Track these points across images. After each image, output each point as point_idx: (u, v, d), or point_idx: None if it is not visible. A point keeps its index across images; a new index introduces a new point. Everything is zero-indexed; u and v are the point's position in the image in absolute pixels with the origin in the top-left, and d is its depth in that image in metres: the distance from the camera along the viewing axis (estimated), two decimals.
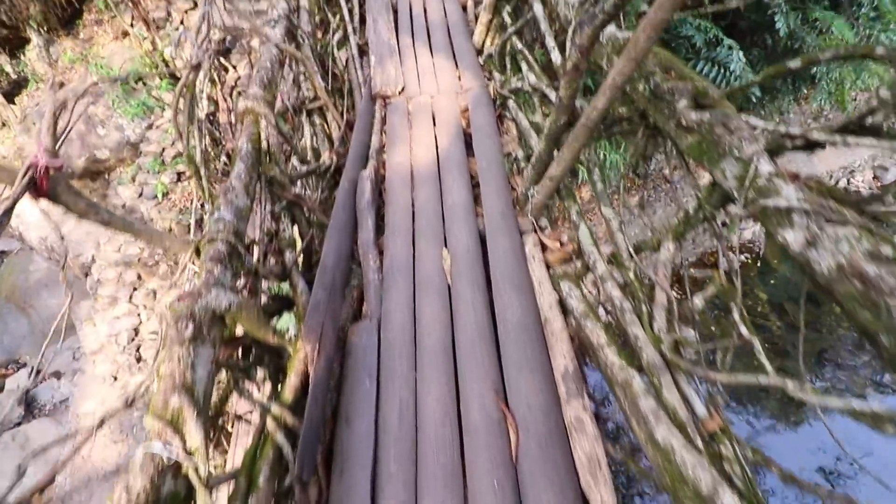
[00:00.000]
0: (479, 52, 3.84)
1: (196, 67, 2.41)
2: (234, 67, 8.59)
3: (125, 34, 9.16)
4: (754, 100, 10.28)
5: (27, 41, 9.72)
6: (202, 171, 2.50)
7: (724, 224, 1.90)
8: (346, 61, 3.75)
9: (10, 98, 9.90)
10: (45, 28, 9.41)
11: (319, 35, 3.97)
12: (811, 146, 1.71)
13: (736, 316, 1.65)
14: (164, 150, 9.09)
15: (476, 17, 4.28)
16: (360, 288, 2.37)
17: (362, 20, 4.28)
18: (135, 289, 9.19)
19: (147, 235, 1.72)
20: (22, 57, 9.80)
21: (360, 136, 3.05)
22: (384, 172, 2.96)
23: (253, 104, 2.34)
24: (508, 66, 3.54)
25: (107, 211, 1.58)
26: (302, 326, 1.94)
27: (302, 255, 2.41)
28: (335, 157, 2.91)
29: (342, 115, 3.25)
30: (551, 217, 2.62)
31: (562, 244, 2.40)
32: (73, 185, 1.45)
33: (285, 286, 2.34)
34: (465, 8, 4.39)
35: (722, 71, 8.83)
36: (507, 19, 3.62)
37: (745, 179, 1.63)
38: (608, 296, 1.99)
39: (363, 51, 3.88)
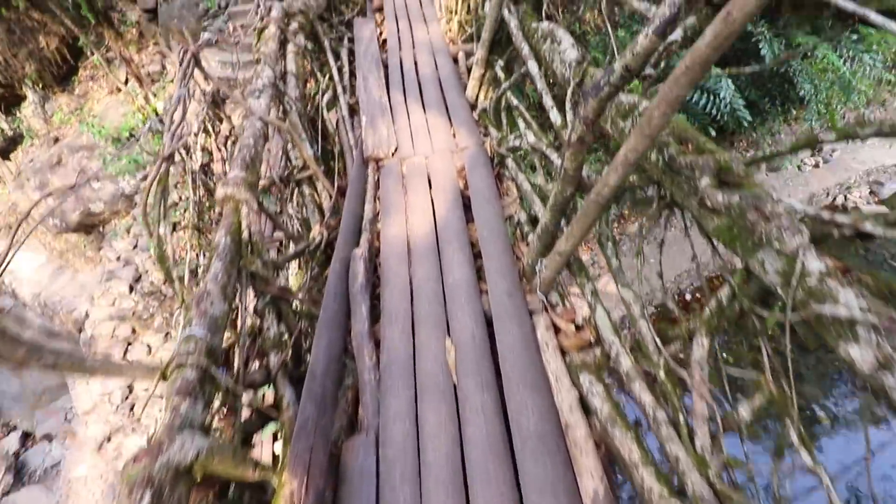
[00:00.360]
0: (473, 106, 3.70)
1: (168, 158, 2.22)
2: (229, 118, 8.55)
3: (119, 89, 9.17)
4: (745, 124, 10.27)
5: (23, 98, 9.72)
6: (174, 274, 2.27)
7: (761, 318, 1.66)
8: (337, 123, 3.59)
9: (5, 154, 9.83)
10: (41, 85, 9.43)
11: (310, 93, 3.83)
12: (862, 236, 1.50)
13: (794, 437, 1.39)
14: None
15: (468, 70, 4.17)
16: (354, 388, 2.10)
17: (353, 75, 4.17)
18: (129, 344, 8.87)
19: (102, 369, 1.47)
20: (17, 113, 9.78)
21: (352, 205, 2.84)
22: (378, 244, 2.74)
23: (233, 191, 2.14)
24: (504, 121, 3.38)
25: (52, 352, 1.35)
26: (287, 453, 1.67)
27: (291, 350, 2.16)
28: (326, 230, 2.69)
29: (333, 181, 3.06)
30: (562, 292, 2.39)
31: (577, 327, 2.16)
32: (7, 330, 1.22)
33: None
34: (456, 60, 4.29)
35: (712, 98, 8.82)
36: (500, 74, 3.49)
37: (792, 278, 1.40)
38: (639, 401, 1.73)
39: (354, 110, 3.73)
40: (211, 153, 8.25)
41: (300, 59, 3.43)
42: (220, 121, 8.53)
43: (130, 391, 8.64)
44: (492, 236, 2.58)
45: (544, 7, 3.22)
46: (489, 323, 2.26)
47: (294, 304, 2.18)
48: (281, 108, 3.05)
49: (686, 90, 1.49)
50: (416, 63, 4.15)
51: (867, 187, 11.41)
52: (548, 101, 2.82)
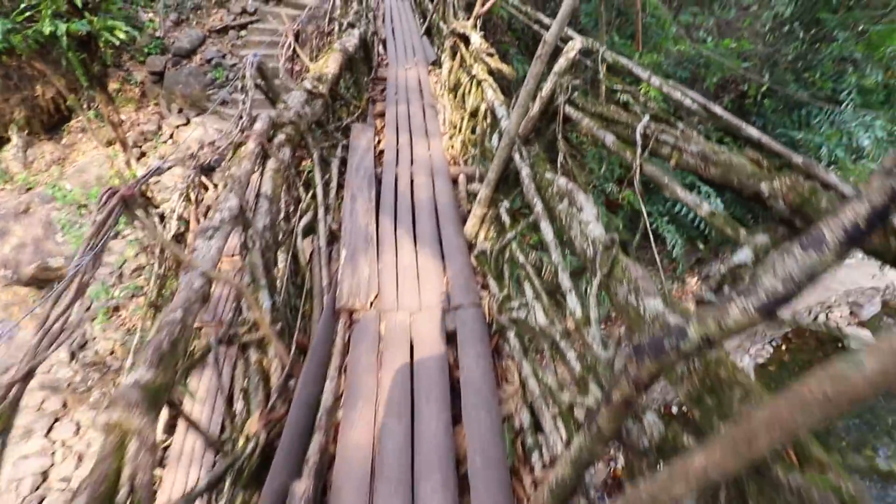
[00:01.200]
0: (471, 245, 3.15)
1: (24, 379, 1.49)
2: (216, 186, 7.98)
3: (109, 143, 8.65)
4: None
5: (7, 141, 9.08)
6: None
7: None
8: (311, 255, 2.99)
9: None
10: (27, 131, 8.85)
11: (286, 215, 3.25)
12: None
13: None
14: (125, 261, 8.09)
15: (468, 194, 3.70)
16: None
17: (340, 189, 3.64)
18: (56, 419, 7.55)
19: None
20: None
21: (308, 387, 2.12)
22: (334, 451, 2.00)
23: (122, 416, 1.40)
24: (507, 274, 2.81)
25: None
26: None
27: None
28: (265, 429, 1.95)
29: (293, 339, 2.38)
30: None
31: None
32: None
33: None
34: (455, 181, 3.83)
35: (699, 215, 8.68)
36: (506, 217, 2.98)
37: None
38: None
39: (335, 236, 3.15)
40: (188, 222, 7.44)
41: (280, 178, 2.87)
42: (206, 189, 7.85)
43: (44, 479, 7.18)
44: (486, 465, 1.86)
45: (560, 158, 2.79)
46: None
47: None
48: (243, 245, 2.43)
49: (815, 424, 0.88)
50: (412, 183, 3.66)
51: (847, 307, 11.27)
52: (564, 279, 2.26)
